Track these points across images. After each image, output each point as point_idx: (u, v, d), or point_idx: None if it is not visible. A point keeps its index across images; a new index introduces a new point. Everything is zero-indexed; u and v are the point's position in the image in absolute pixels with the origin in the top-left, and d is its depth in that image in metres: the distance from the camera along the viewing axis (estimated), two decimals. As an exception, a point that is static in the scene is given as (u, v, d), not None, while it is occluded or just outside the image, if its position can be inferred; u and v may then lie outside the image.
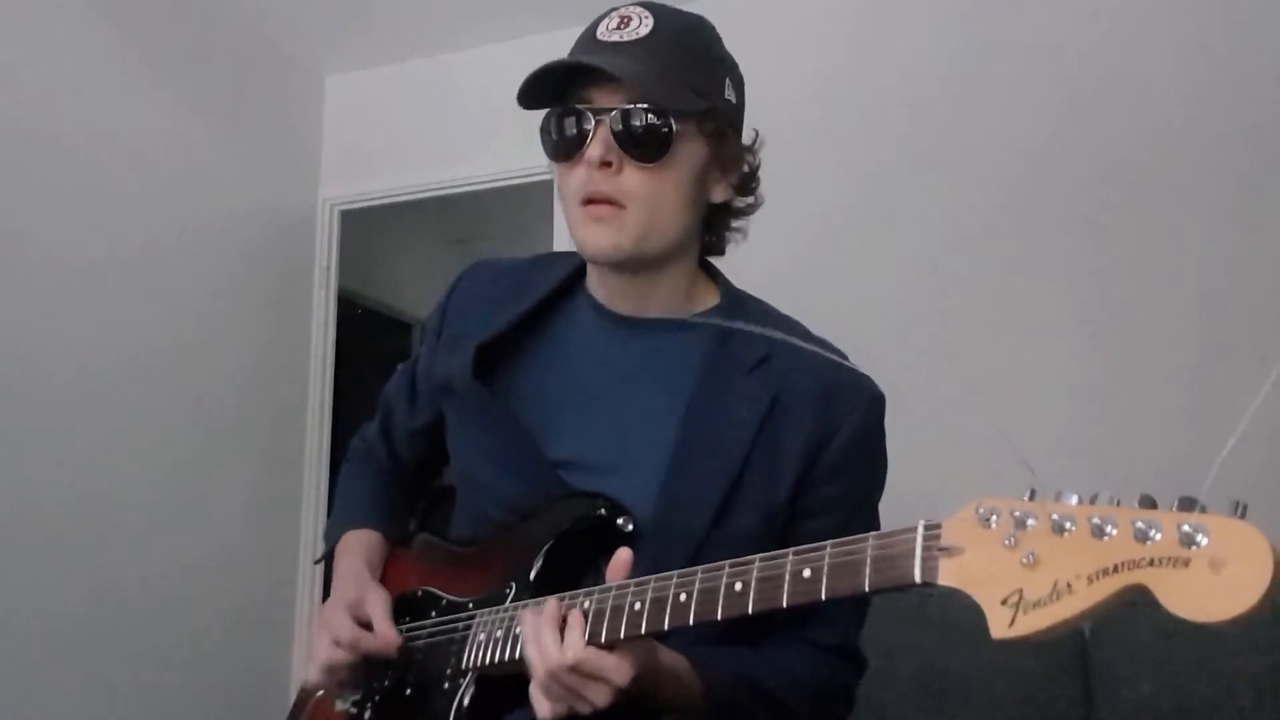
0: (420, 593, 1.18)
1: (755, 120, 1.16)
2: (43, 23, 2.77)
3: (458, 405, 1.19)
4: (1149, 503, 0.67)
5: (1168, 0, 2.69)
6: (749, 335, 1.12)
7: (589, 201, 1.06)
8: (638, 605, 0.91)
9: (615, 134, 1.04)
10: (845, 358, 1.13)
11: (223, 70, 3.34)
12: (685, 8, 1.11)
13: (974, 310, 2.75)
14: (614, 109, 1.03)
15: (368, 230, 4.04)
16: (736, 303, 1.17)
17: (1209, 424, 2.39)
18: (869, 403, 1.12)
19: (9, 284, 2.62)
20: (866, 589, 0.78)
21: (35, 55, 2.74)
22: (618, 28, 1.06)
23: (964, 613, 2.52)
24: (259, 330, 3.39)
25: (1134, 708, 2.15)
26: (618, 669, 0.90)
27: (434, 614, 1.14)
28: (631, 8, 1.07)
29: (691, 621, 0.87)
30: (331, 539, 1.31)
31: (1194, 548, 0.63)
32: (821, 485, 1.09)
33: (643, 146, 1.04)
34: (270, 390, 3.37)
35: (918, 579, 0.75)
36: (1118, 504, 0.68)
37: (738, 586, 0.86)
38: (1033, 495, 0.71)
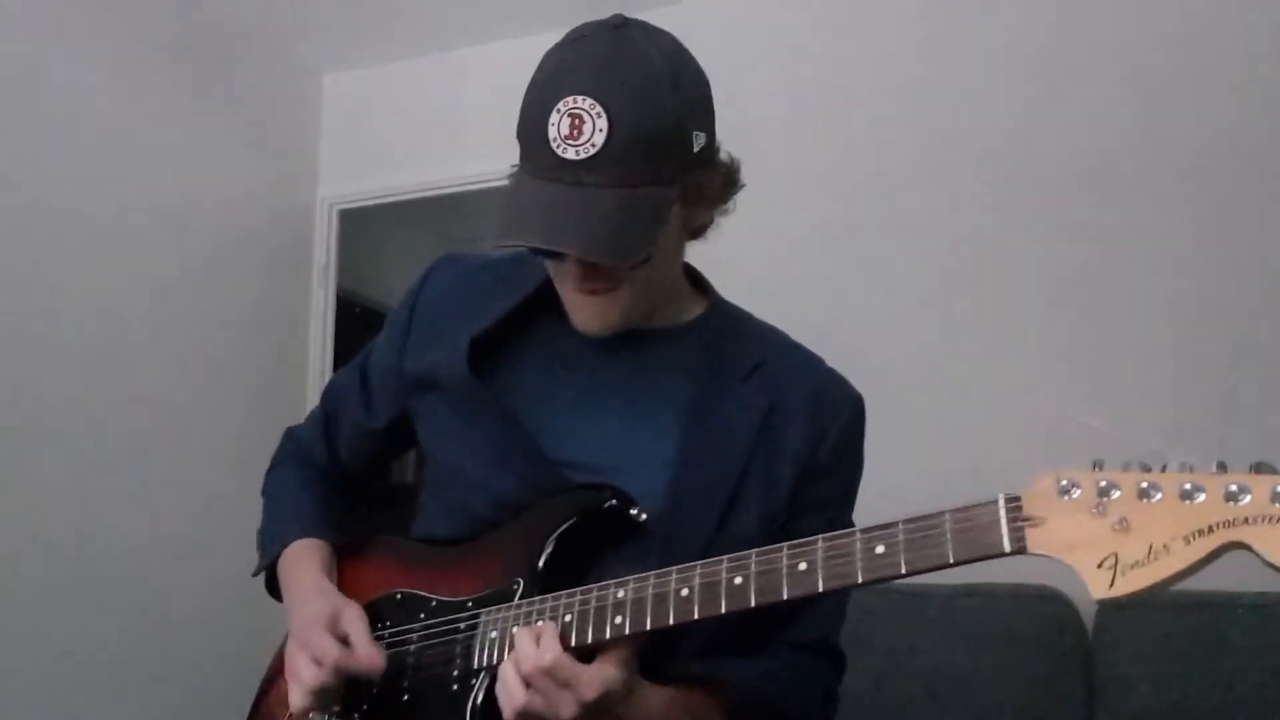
0: (400, 595, 1.15)
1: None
2: (42, 22, 2.77)
3: (443, 400, 1.17)
4: (1222, 468, 0.73)
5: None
6: (740, 343, 1.16)
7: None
8: (685, 591, 0.93)
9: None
10: (824, 362, 1.18)
11: (221, 69, 3.33)
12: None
13: (963, 309, 2.74)
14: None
15: (367, 230, 4.04)
16: (723, 312, 1.20)
17: (1197, 418, 2.41)
18: (853, 405, 1.17)
19: (8, 283, 2.62)
20: (951, 560, 0.82)
21: (34, 54, 2.73)
22: (570, 136, 0.98)
23: (966, 613, 2.53)
24: (257, 329, 3.38)
25: (1134, 708, 2.14)
26: (590, 683, 0.93)
27: (423, 616, 1.12)
28: (582, 103, 0.98)
29: (753, 603, 0.90)
30: (272, 550, 1.24)
31: None
32: (813, 485, 1.12)
33: (619, 268, 1.04)
34: (269, 390, 3.36)
35: (1008, 549, 0.79)
36: (1190, 470, 0.74)
37: (802, 566, 0.88)
38: (1098, 466, 0.77)
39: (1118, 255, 2.61)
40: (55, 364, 2.72)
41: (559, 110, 0.98)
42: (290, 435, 1.40)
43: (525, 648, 0.95)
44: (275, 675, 1.25)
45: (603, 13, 1.07)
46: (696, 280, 1.21)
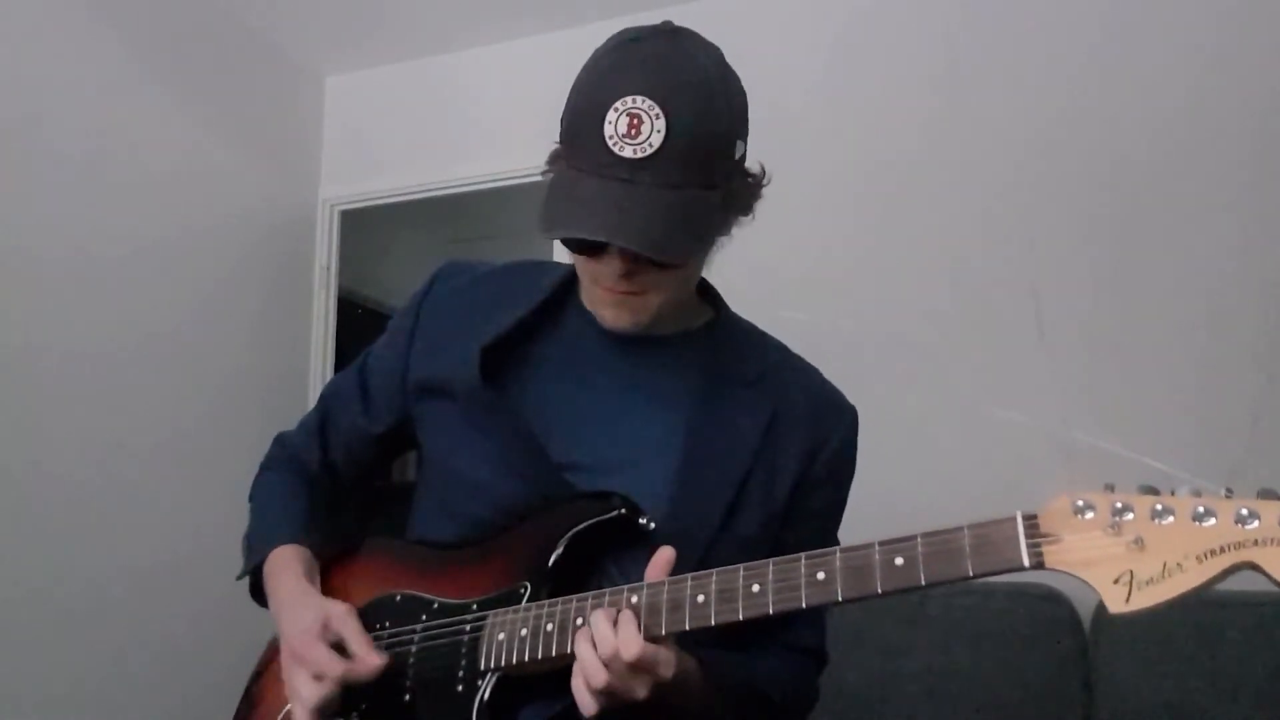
0: (399, 597, 1.15)
1: (752, 118, 1.14)
2: (42, 23, 2.77)
3: (451, 406, 1.18)
4: (1230, 493, 0.78)
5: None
6: (744, 352, 1.19)
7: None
8: (700, 598, 0.93)
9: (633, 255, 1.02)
10: (822, 374, 1.22)
11: (223, 70, 3.34)
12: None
13: (974, 311, 2.74)
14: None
15: (368, 230, 4.05)
16: (729, 321, 1.22)
17: (1213, 424, 2.39)
18: (850, 418, 1.20)
19: (8, 282, 2.62)
20: (970, 574, 0.84)
21: (35, 56, 2.74)
22: (628, 135, 0.98)
23: (964, 612, 2.53)
24: (259, 330, 3.39)
25: (1131, 706, 2.15)
26: (667, 662, 0.94)
27: (425, 617, 1.11)
28: (641, 103, 0.98)
29: (771, 610, 0.91)
30: (257, 553, 1.24)
31: None
32: (811, 493, 1.15)
33: (661, 265, 1.04)
34: (270, 390, 3.37)
35: (1026, 564, 0.82)
36: (1200, 495, 0.78)
37: (820, 576, 0.89)
38: (1110, 489, 0.81)
39: (1143, 257, 2.59)
40: (56, 365, 2.72)
41: (616, 109, 0.99)
42: (280, 440, 1.40)
43: (604, 632, 0.94)
44: (263, 673, 1.25)
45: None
46: (704, 289, 1.23)
